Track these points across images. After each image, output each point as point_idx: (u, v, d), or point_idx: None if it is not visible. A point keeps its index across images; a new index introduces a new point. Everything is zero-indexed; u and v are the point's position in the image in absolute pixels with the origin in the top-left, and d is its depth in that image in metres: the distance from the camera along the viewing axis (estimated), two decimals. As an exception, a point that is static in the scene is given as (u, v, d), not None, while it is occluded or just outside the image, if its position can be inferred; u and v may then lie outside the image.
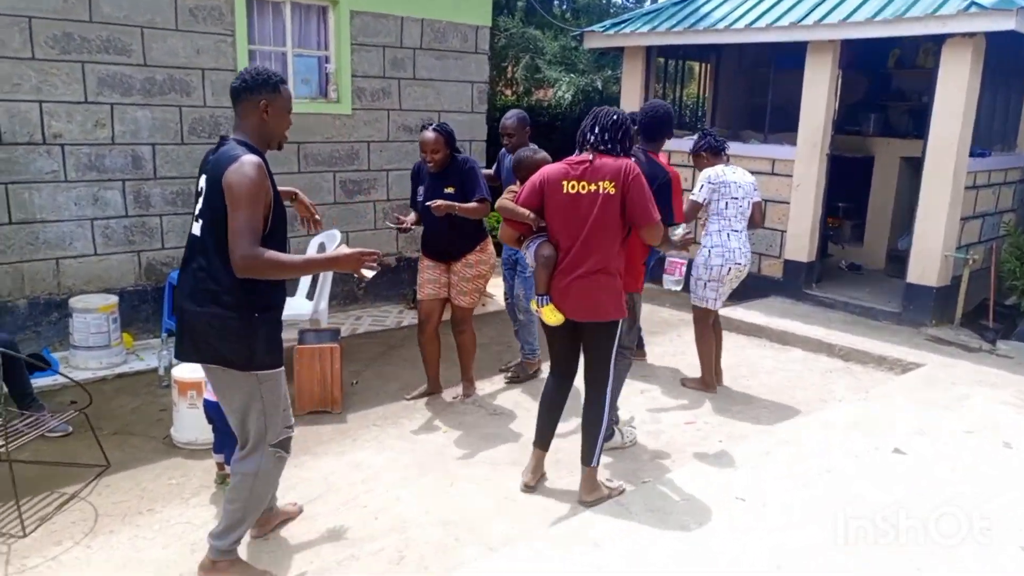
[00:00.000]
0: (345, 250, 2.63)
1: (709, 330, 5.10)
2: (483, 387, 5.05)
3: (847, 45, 6.79)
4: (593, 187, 3.30)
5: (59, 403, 4.47)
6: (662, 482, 3.69)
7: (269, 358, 2.72)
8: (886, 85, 8.86)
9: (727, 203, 4.91)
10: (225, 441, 3.54)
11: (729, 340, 6.29)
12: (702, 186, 4.93)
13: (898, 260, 7.77)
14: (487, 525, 3.38)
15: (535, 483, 3.70)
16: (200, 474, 3.75)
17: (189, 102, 5.72)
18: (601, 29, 8.35)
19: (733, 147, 6.00)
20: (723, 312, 6.64)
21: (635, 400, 4.88)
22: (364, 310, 6.81)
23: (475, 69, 7.40)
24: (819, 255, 7.36)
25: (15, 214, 5.12)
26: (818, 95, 6.90)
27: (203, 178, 2.70)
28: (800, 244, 7.21)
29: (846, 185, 7.95)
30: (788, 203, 7.24)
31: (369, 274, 2.56)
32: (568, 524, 3.30)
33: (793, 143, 7.19)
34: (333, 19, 6.42)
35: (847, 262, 8.39)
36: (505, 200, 3.60)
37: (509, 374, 5.22)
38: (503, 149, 5.30)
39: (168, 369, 4.75)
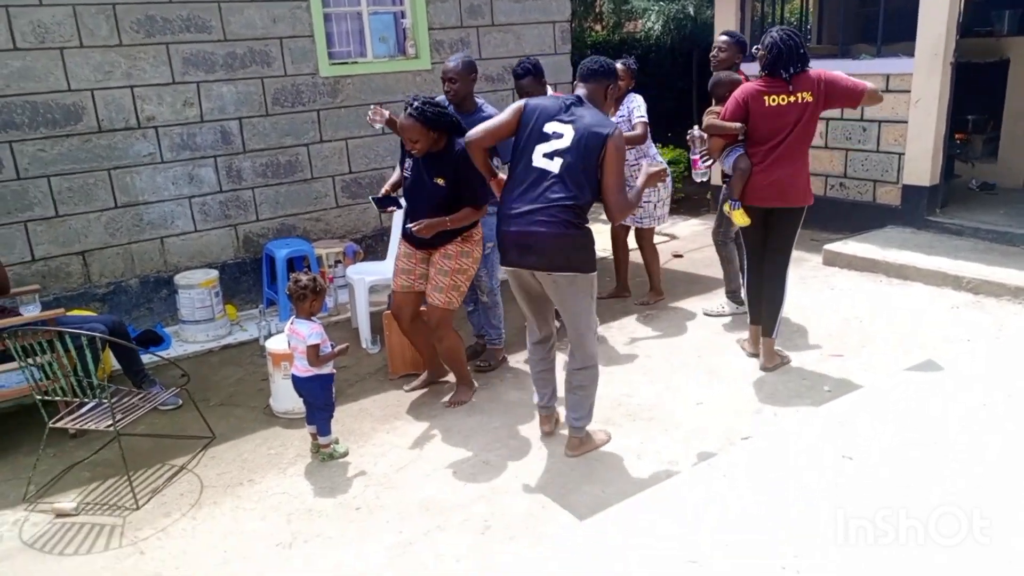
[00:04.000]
0: (650, 169, 3.38)
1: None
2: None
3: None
4: (793, 98, 3.95)
5: (171, 376, 4.71)
6: (763, 438, 3.49)
7: (596, 263, 3.40)
8: (1022, -24, 7.82)
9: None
10: (315, 414, 3.62)
11: (840, 276, 5.90)
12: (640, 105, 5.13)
13: (1040, 175, 6.99)
14: (574, 493, 3.31)
15: (758, 351, 4.39)
16: (297, 443, 3.87)
17: (270, 72, 5.77)
18: (689, -51, 7.78)
19: (841, 65, 5.47)
20: (832, 247, 6.25)
21: (734, 350, 4.66)
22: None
23: (556, 8, 7.08)
24: (943, 177, 6.69)
25: (120, 198, 5.37)
26: (939, -5, 6.16)
27: (562, 126, 3.25)
28: (920, 166, 6.57)
29: (976, 94, 7.14)
30: (905, 122, 6.59)
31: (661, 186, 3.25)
32: (659, 490, 3.18)
33: (910, 54, 6.50)
34: (405, -29, 6.27)
35: (978, 181, 7.60)
36: (709, 119, 4.30)
37: (479, 363, 4.64)
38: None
39: (267, 338, 4.90)
